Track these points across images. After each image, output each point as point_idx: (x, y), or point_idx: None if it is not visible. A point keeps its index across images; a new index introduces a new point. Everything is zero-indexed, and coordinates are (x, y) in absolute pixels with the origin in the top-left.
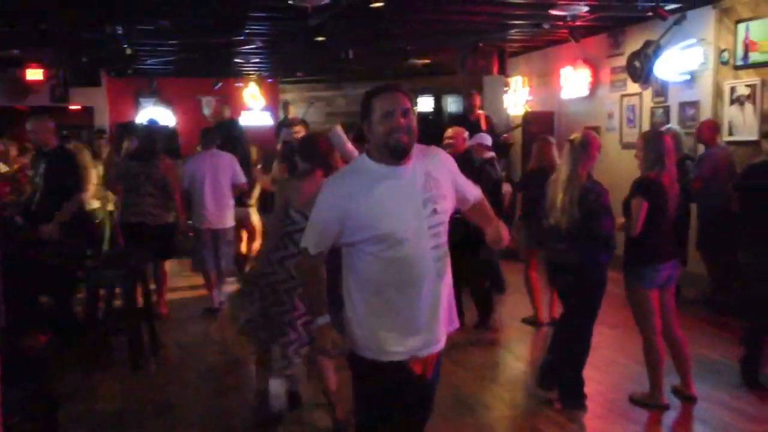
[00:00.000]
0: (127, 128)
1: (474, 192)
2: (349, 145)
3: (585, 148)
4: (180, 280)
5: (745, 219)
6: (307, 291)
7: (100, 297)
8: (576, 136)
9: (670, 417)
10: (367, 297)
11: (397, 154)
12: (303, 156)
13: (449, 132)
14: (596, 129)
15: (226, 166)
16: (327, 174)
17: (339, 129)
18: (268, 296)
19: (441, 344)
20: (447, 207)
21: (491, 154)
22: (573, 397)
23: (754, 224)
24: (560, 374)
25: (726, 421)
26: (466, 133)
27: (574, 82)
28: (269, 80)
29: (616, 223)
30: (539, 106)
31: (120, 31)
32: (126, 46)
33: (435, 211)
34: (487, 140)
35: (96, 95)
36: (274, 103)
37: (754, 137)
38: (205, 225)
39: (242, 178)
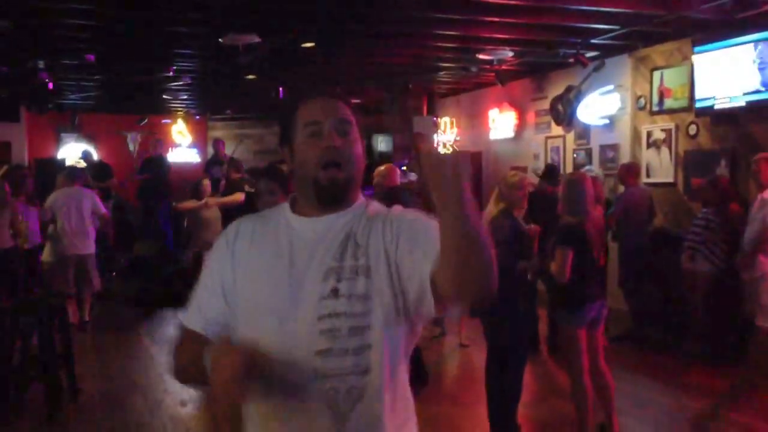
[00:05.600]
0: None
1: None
2: None
3: (508, 187)
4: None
5: None
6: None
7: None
8: (509, 174)
9: None
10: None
11: (326, 197)
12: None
13: (382, 169)
14: (523, 169)
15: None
16: None
17: None
18: None
19: None
20: (368, 293)
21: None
22: None
23: None
24: (494, 418)
25: None
26: (398, 171)
27: (500, 123)
28: (197, 117)
29: (531, 262)
30: (468, 147)
31: (41, 65)
32: (47, 80)
33: (335, 294)
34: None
35: (14, 131)
36: (203, 140)
37: (670, 179)
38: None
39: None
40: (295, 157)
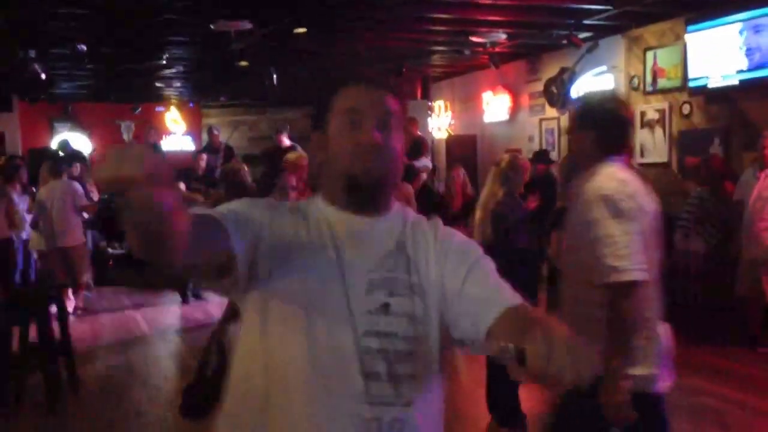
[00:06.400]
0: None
1: (509, 297)
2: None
3: (515, 170)
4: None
5: None
6: None
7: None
8: (503, 157)
9: None
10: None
11: (359, 193)
12: None
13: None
14: (518, 152)
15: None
16: None
17: None
18: None
19: None
20: (425, 316)
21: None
22: (511, 418)
23: None
24: (496, 397)
25: None
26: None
27: (495, 106)
28: (191, 105)
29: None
30: (462, 130)
31: (33, 55)
32: (39, 70)
33: (385, 310)
34: (429, 165)
35: (7, 121)
36: (197, 128)
37: (664, 159)
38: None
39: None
40: (329, 147)
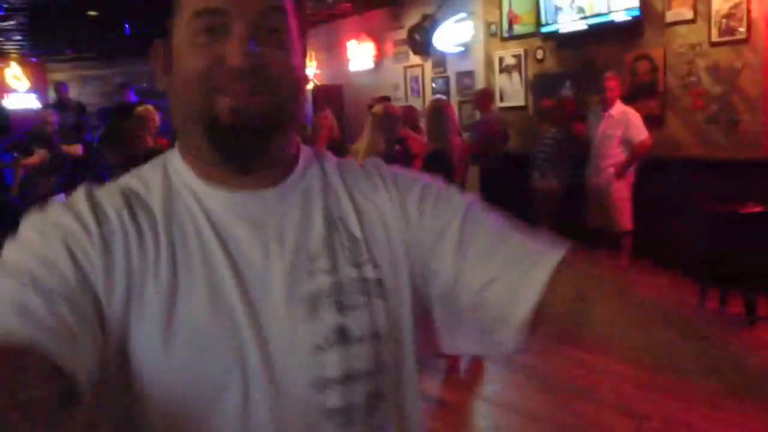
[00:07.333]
0: None
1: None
2: None
3: (389, 118)
4: None
5: None
6: None
7: None
8: (378, 108)
9: None
10: None
11: (232, 152)
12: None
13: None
14: (386, 99)
15: None
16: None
17: None
18: None
19: None
20: (395, 326)
21: None
22: None
23: None
24: None
25: None
26: None
27: (359, 55)
28: (33, 60)
29: None
30: (328, 80)
31: None
32: None
33: (341, 336)
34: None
35: None
36: (43, 84)
37: (521, 103)
38: None
39: None
40: (173, 72)
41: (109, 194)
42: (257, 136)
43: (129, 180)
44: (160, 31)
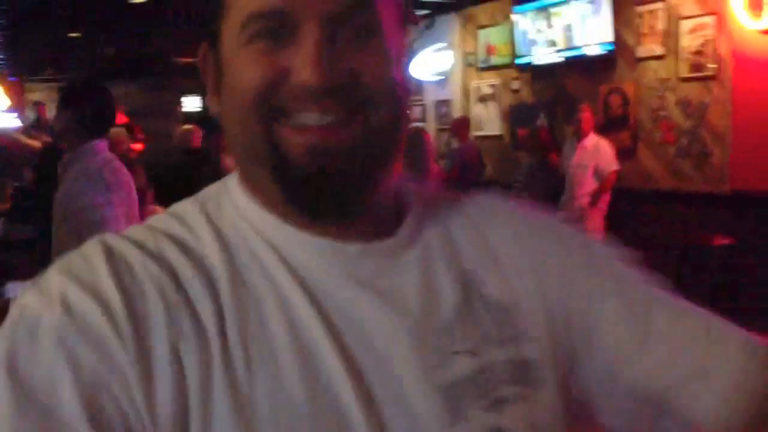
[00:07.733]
0: None
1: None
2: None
3: None
4: None
5: None
6: None
7: None
8: None
9: None
10: None
11: (314, 202)
12: None
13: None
14: None
15: None
16: None
17: None
18: None
19: None
20: (555, 415)
21: None
22: None
23: None
24: None
25: None
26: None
27: None
28: (12, 78)
29: None
30: None
31: None
32: None
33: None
34: None
35: None
36: (20, 104)
37: (498, 132)
38: None
39: None
40: (223, 90)
41: (142, 254)
42: (347, 184)
43: (167, 223)
44: (208, 33)
